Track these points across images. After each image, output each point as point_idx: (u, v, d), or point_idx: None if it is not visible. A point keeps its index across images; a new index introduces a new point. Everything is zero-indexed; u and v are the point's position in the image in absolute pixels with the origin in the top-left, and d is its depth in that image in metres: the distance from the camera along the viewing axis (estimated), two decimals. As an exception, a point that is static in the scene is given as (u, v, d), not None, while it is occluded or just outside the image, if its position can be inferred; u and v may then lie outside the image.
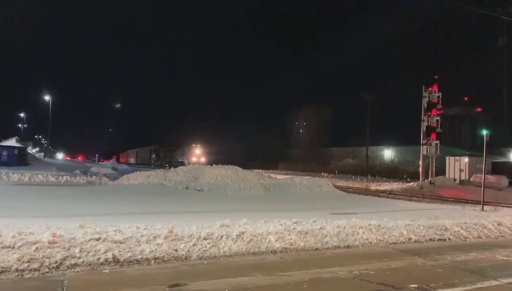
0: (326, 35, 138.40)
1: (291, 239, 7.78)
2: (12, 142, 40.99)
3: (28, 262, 5.45)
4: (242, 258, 6.86)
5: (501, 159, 39.99)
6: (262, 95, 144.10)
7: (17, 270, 5.32)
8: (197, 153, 55.41)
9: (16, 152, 33.15)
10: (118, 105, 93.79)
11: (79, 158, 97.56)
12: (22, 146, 41.44)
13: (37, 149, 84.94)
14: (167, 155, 63.98)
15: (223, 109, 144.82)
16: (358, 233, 8.62)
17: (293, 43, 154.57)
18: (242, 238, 7.36)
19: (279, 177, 26.88)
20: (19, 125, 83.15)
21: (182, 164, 45.05)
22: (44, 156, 64.41)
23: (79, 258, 5.80)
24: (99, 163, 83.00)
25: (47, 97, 59.43)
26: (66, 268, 5.60)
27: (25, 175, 22.02)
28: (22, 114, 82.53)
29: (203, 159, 52.47)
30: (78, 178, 22.91)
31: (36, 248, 5.68)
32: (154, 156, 69.76)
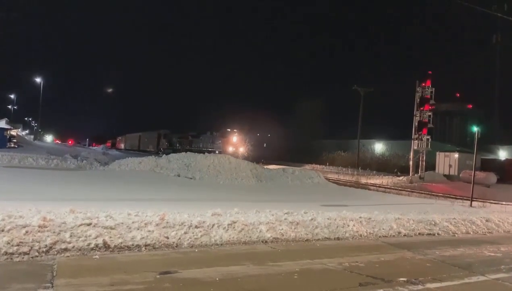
0: (320, 29, 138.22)
1: (282, 229, 7.81)
2: (1, 124, 40.45)
3: (18, 245, 5.39)
4: (233, 247, 6.86)
5: (490, 156, 40.46)
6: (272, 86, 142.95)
7: (6, 253, 5.26)
8: (234, 141, 42.98)
9: (5, 133, 32.75)
10: (109, 90, 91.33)
11: (70, 142, 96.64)
12: (12, 128, 40.92)
13: (26, 131, 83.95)
14: (184, 142, 50.44)
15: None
16: (348, 225, 8.67)
17: (289, 37, 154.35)
18: (234, 227, 7.36)
19: (270, 167, 26.92)
20: (9, 107, 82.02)
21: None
22: (34, 139, 63.85)
23: (70, 242, 5.75)
24: (90, 147, 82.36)
25: (38, 79, 58.58)
26: (56, 253, 5.56)
27: (15, 157, 21.78)
28: (12, 96, 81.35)
29: (241, 149, 42.01)
30: (68, 162, 22.71)
31: (26, 232, 5.63)
32: (164, 141, 55.97)
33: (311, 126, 67.26)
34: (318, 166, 49.58)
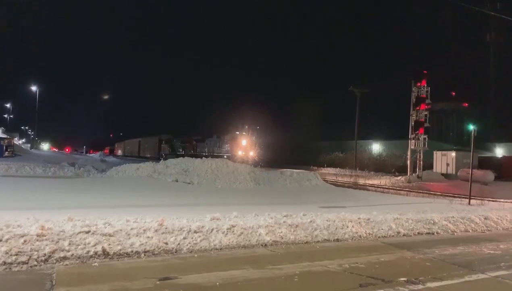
0: (317, 29, 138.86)
1: (281, 232, 7.80)
2: (-2, 133, 40.35)
3: (16, 255, 5.37)
4: (232, 251, 6.85)
5: (488, 154, 40.57)
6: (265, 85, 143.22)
7: (4, 263, 5.24)
8: (244, 145, 39.54)
9: (2, 143, 32.67)
10: (106, 97, 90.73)
11: (67, 150, 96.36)
12: (9, 137, 40.80)
13: (23, 140, 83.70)
14: (188, 147, 47.70)
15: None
16: (347, 227, 8.67)
17: (288, 36, 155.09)
18: (233, 231, 7.35)
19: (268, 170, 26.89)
20: (5, 116, 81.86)
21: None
22: (31, 147, 63.61)
23: (68, 251, 5.73)
24: (88, 154, 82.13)
25: (33, 88, 58.44)
26: (55, 261, 5.54)
27: (12, 166, 21.68)
28: (8, 105, 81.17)
29: (252, 153, 39.07)
30: (65, 170, 22.64)
31: (24, 241, 5.60)
32: (166, 147, 53.39)
33: (309, 128, 67.20)
34: (316, 167, 49.56)
